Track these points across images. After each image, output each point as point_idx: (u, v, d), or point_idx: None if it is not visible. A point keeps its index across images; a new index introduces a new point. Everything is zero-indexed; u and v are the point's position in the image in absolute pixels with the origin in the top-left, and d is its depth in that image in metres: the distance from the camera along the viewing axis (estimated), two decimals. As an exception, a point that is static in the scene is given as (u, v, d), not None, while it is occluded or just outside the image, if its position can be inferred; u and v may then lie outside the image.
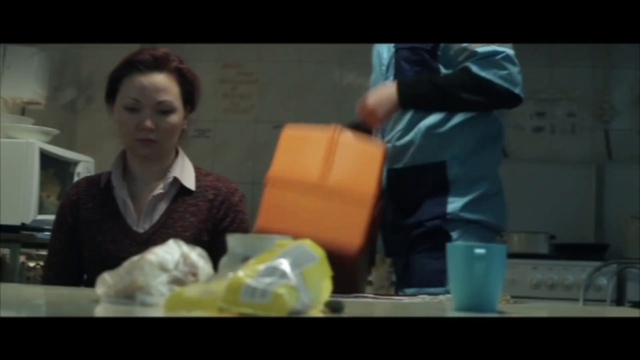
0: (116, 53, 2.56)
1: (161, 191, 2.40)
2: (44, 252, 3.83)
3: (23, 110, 4.83)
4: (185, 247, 1.58)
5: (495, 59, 2.77)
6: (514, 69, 2.82)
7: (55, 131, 4.28)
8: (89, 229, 2.42)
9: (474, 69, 2.75)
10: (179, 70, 2.42)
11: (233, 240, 1.54)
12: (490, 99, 2.81)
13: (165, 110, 2.37)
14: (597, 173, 5.72)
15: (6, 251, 3.87)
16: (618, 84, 5.85)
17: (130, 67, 2.38)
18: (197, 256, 1.59)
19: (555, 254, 5.32)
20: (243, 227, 2.45)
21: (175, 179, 2.42)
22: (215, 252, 1.70)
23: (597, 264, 4.84)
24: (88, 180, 2.54)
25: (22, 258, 4.00)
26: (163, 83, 2.37)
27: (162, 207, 2.41)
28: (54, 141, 4.26)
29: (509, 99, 2.81)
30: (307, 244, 1.46)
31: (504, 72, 2.78)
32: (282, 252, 1.41)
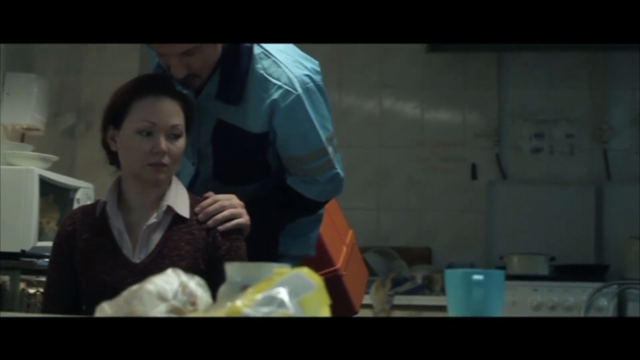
0: (115, 79, 2.56)
1: (155, 220, 2.38)
2: (44, 279, 3.82)
3: (22, 136, 4.84)
4: (184, 276, 1.58)
5: (331, 184, 2.74)
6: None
7: (55, 158, 4.28)
8: (85, 260, 2.40)
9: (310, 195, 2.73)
10: (183, 96, 2.42)
11: (231, 269, 1.55)
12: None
13: (177, 134, 2.37)
14: (597, 194, 5.72)
15: (6, 278, 3.87)
16: (616, 104, 5.87)
17: (141, 90, 2.36)
18: (195, 285, 1.58)
19: (556, 275, 5.31)
20: (240, 255, 2.43)
21: (169, 208, 2.40)
22: (213, 281, 1.70)
23: (597, 284, 4.84)
24: (83, 210, 2.52)
25: (22, 285, 4.00)
26: (175, 107, 2.37)
27: (157, 236, 2.38)
28: (54, 167, 4.26)
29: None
30: (305, 272, 1.46)
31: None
32: (280, 280, 1.41)
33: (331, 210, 3.08)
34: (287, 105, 2.58)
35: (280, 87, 2.59)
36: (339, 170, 2.73)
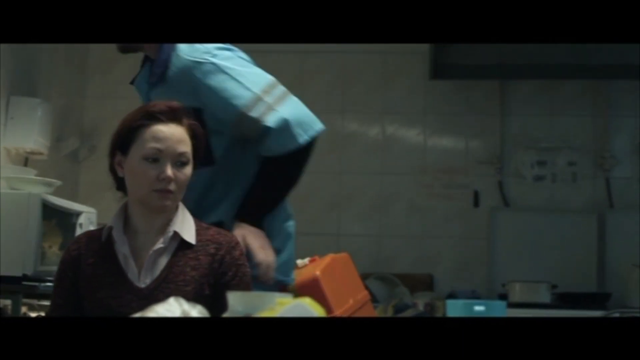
0: (118, 104, 2.58)
1: (161, 246, 2.39)
2: (46, 303, 3.82)
3: (26, 160, 4.86)
4: (186, 305, 1.58)
5: (290, 126, 2.76)
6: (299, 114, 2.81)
7: (58, 183, 4.29)
8: (90, 285, 2.41)
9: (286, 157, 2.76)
10: (191, 125, 2.44)
11: (234, 298, 1.55)
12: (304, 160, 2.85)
13: (183, 161, 2.39)
14: (599, 221, 5.72)
15: (8, 302, 3.87)
16: (618, 132, 5.87)
17: (150, 117, 2.38)
18: (197, 314, 1.59)
19: (558, 304, 5.30)
20: (245, 281, 2.44)
21: (176, 233, 2.42)
22: (219, 306, 1.70)
23: (599, 313, 4.83)
24: (89, 235, 2.53)
25: (24, 309, 4.00)
26: (182, 135, 2.40)
27: (163, 261, 2.40)
28: (57, 191, 4.27)
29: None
30: (307, 302, 1.46)
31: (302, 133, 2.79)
32: (282, 310, 1.42)
33: (341, 267, 3.11)
34: (203, 74, 2.75)
35: (194, 60, 2.75)
36: (285, 114, 2.76)
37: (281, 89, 2.82)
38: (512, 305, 4.96)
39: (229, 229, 2.68)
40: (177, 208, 2.46)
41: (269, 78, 2.83)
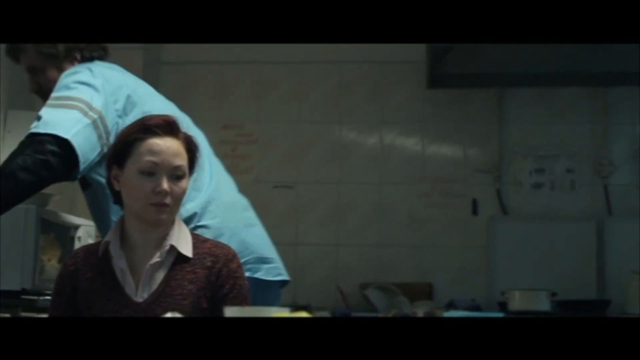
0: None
1: (158, 259, 2.39)
2: (45, 317, 3.81)
3: (24, 174, 4.84)
4: (182, 320, 1.59)
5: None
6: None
7: (56, 196, 4.28)
8: (87, 299, 2.41)
9: None
10: (187, 138, 2.45)
11: (231, 312, 1.55)
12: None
13: (179, 175, 2.40)
14: (598, 229, 5.72)
15: (7, 316, 3.86)
16: (617, 139, 5.88)
17: (146, 131, 2.39)
18: (194, 329, 1.59)
19: (557, 311, 5.29)
20: (243, 293, 2.44)
21: (173, 247, 2.42)
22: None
23: (599, 320, 4.82)
24: (85, 249, 2.53)
25: (22, 323, 3.99)
26: (178, 148, 2.40)
27: (160, 275, 2.40)
28: (55, 204, 4.27)
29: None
30: (304, 316, 1.46)
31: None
32: (279, 325, 1.41)
33: None
34: None
35: None
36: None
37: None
38: (511, 313, 4.95)
39: None
40: (173, 222, 2.46)
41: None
